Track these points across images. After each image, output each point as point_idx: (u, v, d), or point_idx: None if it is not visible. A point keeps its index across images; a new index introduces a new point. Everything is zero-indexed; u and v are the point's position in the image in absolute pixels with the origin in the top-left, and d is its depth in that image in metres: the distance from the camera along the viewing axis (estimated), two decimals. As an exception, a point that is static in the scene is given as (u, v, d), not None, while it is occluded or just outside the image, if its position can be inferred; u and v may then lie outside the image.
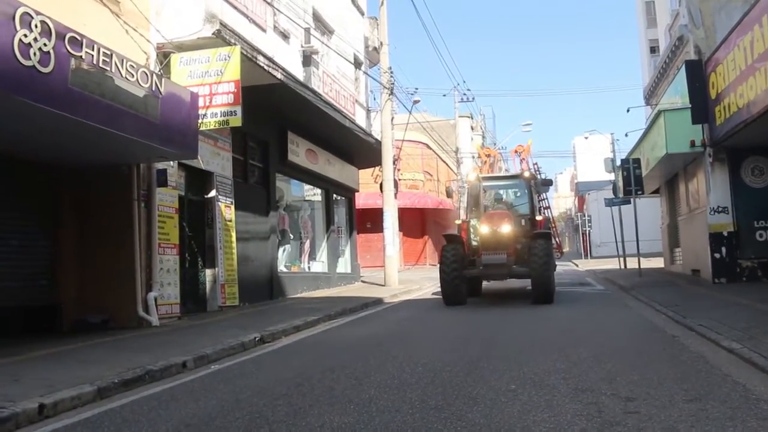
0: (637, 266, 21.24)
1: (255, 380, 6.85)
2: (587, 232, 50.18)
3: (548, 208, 26.59)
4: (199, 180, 14.34)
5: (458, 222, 16.46)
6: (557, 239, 26.38)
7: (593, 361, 7.00)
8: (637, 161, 19.71)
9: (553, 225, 25.92)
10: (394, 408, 5.21)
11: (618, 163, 25.18)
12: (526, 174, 17.36)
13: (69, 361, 7.89)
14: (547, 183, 20.81)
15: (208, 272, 14.45)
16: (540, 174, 28.75)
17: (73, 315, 11.66)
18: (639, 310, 12.36)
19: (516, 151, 32.45)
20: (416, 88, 38.98)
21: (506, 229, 14.44)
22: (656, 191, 24.80)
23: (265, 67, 14.26)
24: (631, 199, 20.96)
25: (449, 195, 30.91)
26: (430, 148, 42.37)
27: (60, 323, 11.61)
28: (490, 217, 14.97)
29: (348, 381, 6.42)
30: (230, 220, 15.06)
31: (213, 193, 14.54)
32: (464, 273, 14.56)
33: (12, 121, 8.73)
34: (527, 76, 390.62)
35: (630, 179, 19.35)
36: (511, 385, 5.91)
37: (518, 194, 17.24)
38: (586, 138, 54.37)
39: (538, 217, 15.94)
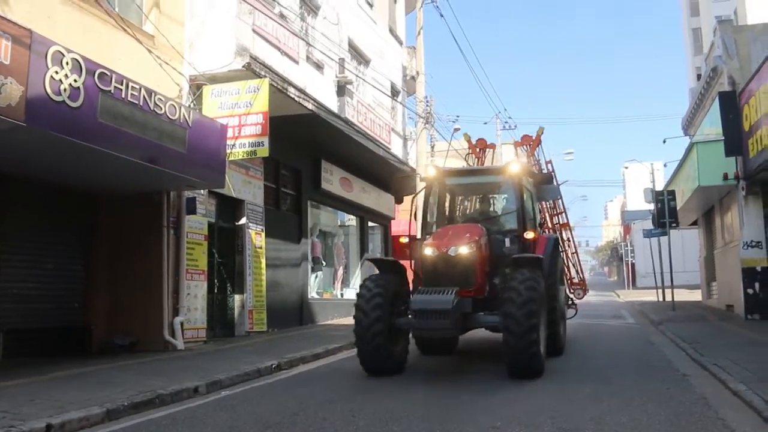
0: (678, 298, 20.95)
1: (256, 408, 7.07)
2: (630, 262, 49.37)
3: (566, 225, 16.25)
4: (230, 207, 14.74)
5: (405, 240, 10.51)
6: (579, 272, 16.55)
7: (589, 399, 7.07)
8: (672, 193, 19.52)
9: (566, 249, 15.88)
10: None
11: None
12: (514, 168, 10.55)
13: (86, 383, 8.22)
14: (545, 181, 12.70)
15: (237, 298, 14.80)
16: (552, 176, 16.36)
17: (102, 337, 12.09)
18: (661, 347, 12.23)
19: (522, 143, 17.68)
20: (457, 116, 39.36)
21: (464, 252, 9.12)
22: (695, 223, 24.44)
23: (296, 99, 14.65)
24: (669, 230, 20.67)
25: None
26: (472, 175, 42.25)
27: (90, 344, 12.03)
28: (442, 235, 9.71)
29: (342, 413, 6.60)
30: (260, 247, 15.41)
31: (243, 221, 14.92)
32: (397, 322, 9.17)
33: (45, 152, 9.22)
34: (570, 104, 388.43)
35: (664, 211, 19.15)
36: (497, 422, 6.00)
37: (502, 199, 11.80)
38: (626, 168, 53.75)
39: (528, 235, 9.89)
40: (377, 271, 10.03)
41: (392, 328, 9.06)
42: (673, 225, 19.42)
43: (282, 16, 15.71)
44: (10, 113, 7.60)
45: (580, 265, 17.04)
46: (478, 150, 17.45)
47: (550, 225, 15.63)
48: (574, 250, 16.89)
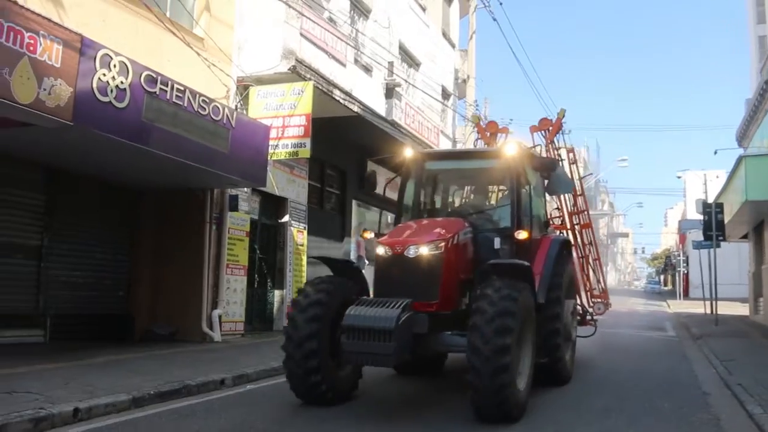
0: (725, 312, 20.58)
1: (269, 404, 7.41)
2: (682, 272, 48.37)
3: (588, 225, 13.71)
4: (273, 205, 15.15)
5: (368, 236, 8.94)
6: (601, 281, 13.95)
7: (598, 414, 7.14)
8: (720, 206, 19.19)
9: (587, 254, 13.57)
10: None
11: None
12: (510, 150, 8.55)
13: (120, 370, 8.67)
14: (548, 167, 9.77)
15: (277, 293, 15.21)
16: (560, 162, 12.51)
17: (144, 325, 12.63)
18: (693, 363, 12.11)
19: (539, 128, 13.84)
20: (511, 119, 38.85)
21: (425, 254, 7.28)
22: (746, 236, 23.93)
23: (341, 101, 14.96)
24: (716, 244, 20.29)
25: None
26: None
27: (132, 332, 12.57)
28: (402, 230, 7.97)
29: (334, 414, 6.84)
30: (302, 245, 15.79)
31: (286, 218, 15.32)
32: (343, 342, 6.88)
33: (92, 149, 9.74)
34: (628, 109, 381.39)
35: (711, 224, 18.85)
36: None
37: (496, 190, 10.05)
38: (679, 177, 52.68)
39: (519, 234, 7.96)
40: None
41: (337, 346, 7.02)
42: (720, 238, 19.07)
43: (331, 20, 16.05)
44: (58, 113, 8.08)
45: (602, 273, 14.05)
46: (488, 135, 13.73)
47: (569, 225, 13.10)
48: (596, 256, 13.89)
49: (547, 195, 10.34)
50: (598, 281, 13.66)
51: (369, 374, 8.21)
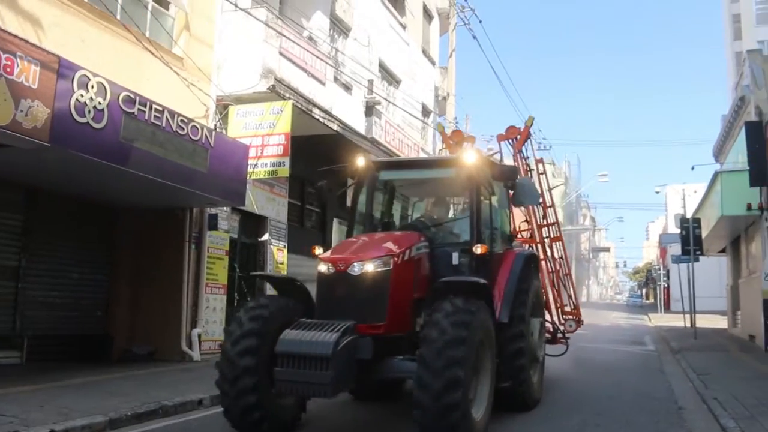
0: (705, 325, 20.80)
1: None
2: (662, 285, 48.78)
3: (559, 239, 13.02)
4: (253, 224, 15.16)
5: (317, 252, 7.59)
6: (572, 297, 13.11)
7: (574, 430, 7.21)
8: (698, 221, 19.47)
9: (557, 269, 12.89)
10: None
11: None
12: (469, 158, 7.96)
13: (96, 391, 8.64)
14: (508, 175, 8.87)
15: (257, 311, 15.16)
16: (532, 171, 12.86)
17: (122, 345, 12.57)
18: (670, 377, 12.23)
19: (506, 137, 12.89)
20: (492, 135, 38.96)
21: (370, 271, 6.75)
22: (723, 250, 24.22)
23: (321, 119, 15.05)
24: (693, 258, 20.53)
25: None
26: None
27: (110, 353, 12.51)
28: (346, 246, 7.43)
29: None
30: (282, 263, 15.80)
31: (266, 237, 15.34)
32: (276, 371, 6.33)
33: (70, 170, 9.74)
34: (608, 125, 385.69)
35: (689, 239, 19.08)
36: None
37: (458, 202, 9.71)
38: (657, 192, 53.27)
39: (478, 249, 7.33)
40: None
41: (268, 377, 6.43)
42: (698, 253, 19.31)
43: (311, 38, 16.16)
44: (35, 134, 8.08)
45: (574, 288, 13.30)
46: (453, 144, 12.87)
47: (538, 238, 12.31)
48: (567, 271, 13.21)
49: (514, 207, 9.84)
50: (570, 297, 12.94)
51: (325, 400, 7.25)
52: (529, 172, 12.31)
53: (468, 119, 30.76)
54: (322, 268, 6.96)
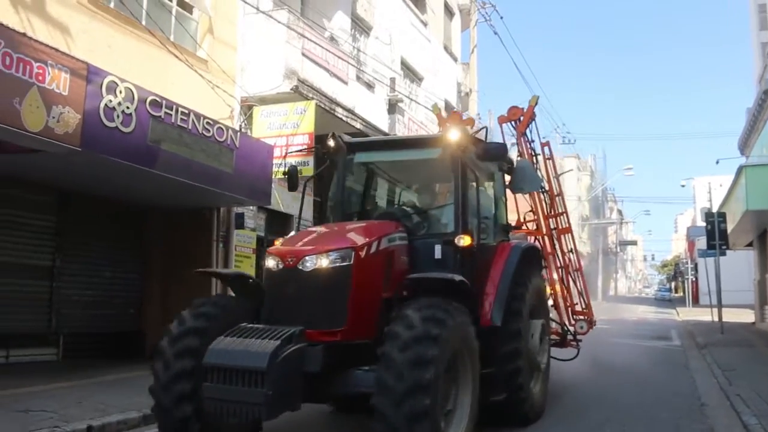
0: (733, 319, 20.69)
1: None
2: (690, 279, 48.28)
3: (568, 231, 11.71)
4: (279, 222, 15.40)
5: (279, 243, 6.55)
6: (583, 295, 11.74)
7: (591, 426, 7.41)
8: (723, 215, 19.33)
9: (566, 264, 11.57)
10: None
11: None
12: (453, 137, 6.99)
13: (130, 387, 8.90)
14: (495, 154, 7.38)
15: (284, 308, 15.42)
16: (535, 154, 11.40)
17: (155, 342, 12.83)
18: (694, 373, 12.21)
19: (508, 118, 11.47)
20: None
21: (325, 266, 5.84)
22: (750, 244, 24.02)
23: (344, 118, 15.25)
24: (719, 252, 20.38)
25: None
26: (531, 189, 42.36)
27: (143, 349, 12.83)
28: (301, 237, 6.42)
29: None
30: (308, 260, 16.00)
31: (292, 234, 15.52)
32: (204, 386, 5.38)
33: (101, 173, 10.04)
34: (632, 118, 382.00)
35: (714, 233, 18.98)
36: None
37: (441, 188, 8.46)
38: (683, 186, 52.73)
39: (461, 241, 6.49)
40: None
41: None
42: (724, 247, 19.19)
43: (332, 38, 16.35)
44: (67, 139, 8.37)
45: (585, 285, 11.88)
46: (449, 127, 9.94)
47: (544, 229, 11.09)
48: (577, 266, 11.79)
49: (515, 195, 9.15)
50: (581, 295, 11.58)
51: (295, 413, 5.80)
52: (534, 158, 11.16)
53: (491, 114, 30.72)
54: (270, 263, 6.00)
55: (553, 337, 9.74)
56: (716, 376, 11.35)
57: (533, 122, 11.34)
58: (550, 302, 10.18)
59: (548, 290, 10.27)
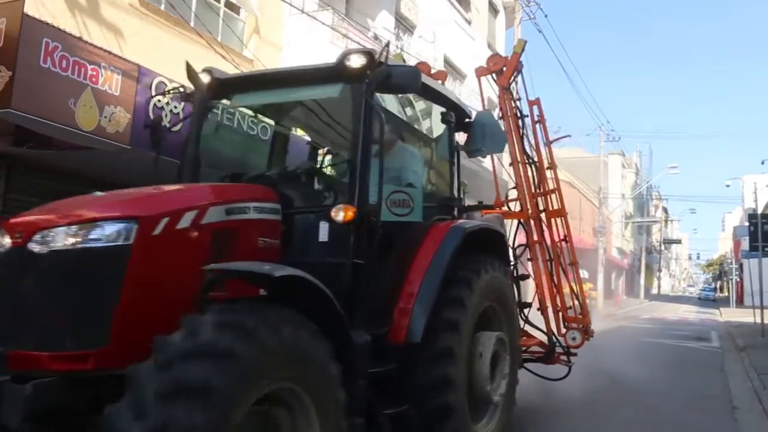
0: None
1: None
2: (734, 279, 47.50)
3: (560, 213, 8.76)
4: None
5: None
6: (578, 298, 8.77)
7: (619, 426, 7.49)
8: (766, 217, 19.10)
9: (555, 256, 8.57)
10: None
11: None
12: (354, 63, 4.66)
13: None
14: (400, 82, 4.79)
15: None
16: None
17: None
18: (729, 375, 12.18)
19: (488, 70, 8.57)
20: (559, 127, 38.99)
21: (68, 245, 3.65)
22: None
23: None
24: (762, 254, 20.13)
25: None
26: (574, 187, 42.16)
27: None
28: (65, 204, 4.17)
29: None
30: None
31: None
32: None
33: (152, 168, 10.42)
34: (678, 115, 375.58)
35: (757, 234, 18.79)
36: None
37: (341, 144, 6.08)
38: (728, 186, 51.78)
39: (337, 214, 4.42)
40: None
41: None
42: (766, 249, 18.97)
43: (376, 37, 16.58)
44: (117, 138, 8.79)
45: (580, 284, 9.07)
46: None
47: (530, 210, 8.33)
48: (573, 259, 9.14)
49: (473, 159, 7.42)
50: (575, 296, 8.83)
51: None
52: (520, 119, 8.66)
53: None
54: None
55: (537, 349, 7.90)
56: (751, 380, 11.27)
57: (520, 75, 8.82)
58: (536, 306, 8.13)
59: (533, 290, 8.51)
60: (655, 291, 79.05)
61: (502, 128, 7.56)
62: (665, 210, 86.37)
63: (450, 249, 5.20)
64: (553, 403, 8.06)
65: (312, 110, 5.97)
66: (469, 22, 22.67)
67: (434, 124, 6.47)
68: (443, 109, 6.12)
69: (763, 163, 40.79)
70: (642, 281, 63.51)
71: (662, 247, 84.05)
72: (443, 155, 6.35)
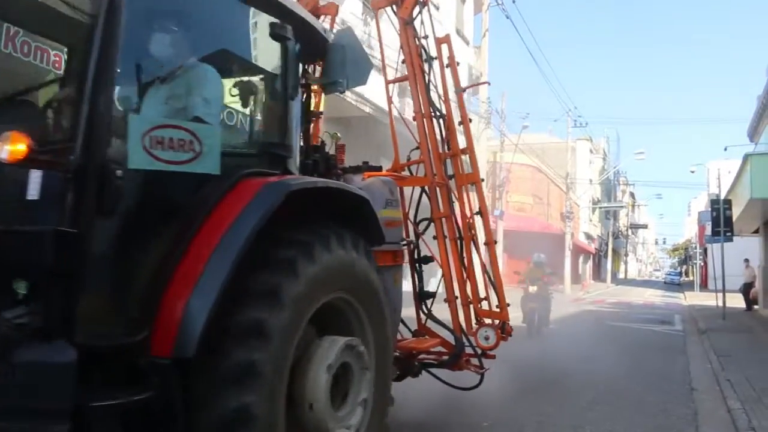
0: (738, 305, 21.02)
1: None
2: (698, 263, 48.36)
3: (471, 179, 7.02)
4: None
5: None
6: (494, 285, 6.89)
7: (583, 407, 7.60)
8: (728, 202, 19.49)
9: (465, 236, 6.60)
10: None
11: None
12: None
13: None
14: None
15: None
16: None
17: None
18: (690, 358, 12.41)
19: (387, 3, 7.38)
20: (527, 113, 39.08)
21: None
22: (757, 231, 24.17)
23: (353, 102, 15.44)
24: (724, 239, 20.49)
25: None
26: (541, 172, 42.47)
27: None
28: None
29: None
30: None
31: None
32: None
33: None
34: (644, 103, 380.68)
35: (719, 220, 19.15)
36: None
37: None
38: (693, 172, 52.58)
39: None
40: None
41: None
42: (728, 234, 19.35)
43: (342, 21, 16.48)
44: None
45: (496, 271, 7.10)
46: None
47: (437, 177, 6.58)
48: (488, 238, 7.14)
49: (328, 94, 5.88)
50: (492, 286, 7.01)
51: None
52: (426, 62, 7.58)
53: (504, 97, 30.78)
54: None
55: (441, 350, 6.43)
56: (711, 362, 11.52)
57: (425, 8, 7.43)
58: (443, 297, 6.53)
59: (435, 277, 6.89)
60: (622, 275, 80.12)
61: (366, 53, 5.55)
62: (632, 195, 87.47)
63: (258, 215, 3.40)
64: (516, 385, 8.14)
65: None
66: (437, 8, 22.62)
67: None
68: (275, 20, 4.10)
69: (726, 149, 41.71)
70: (609, 266, 64.27)
71: (629, 232, 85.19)
72: (274, 85, 4.25)
